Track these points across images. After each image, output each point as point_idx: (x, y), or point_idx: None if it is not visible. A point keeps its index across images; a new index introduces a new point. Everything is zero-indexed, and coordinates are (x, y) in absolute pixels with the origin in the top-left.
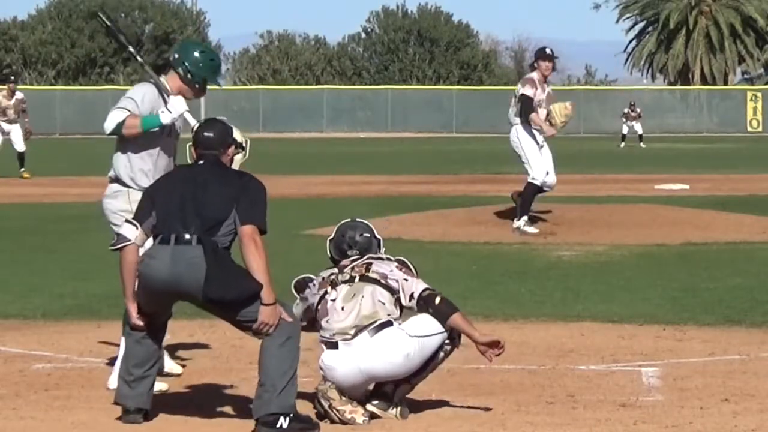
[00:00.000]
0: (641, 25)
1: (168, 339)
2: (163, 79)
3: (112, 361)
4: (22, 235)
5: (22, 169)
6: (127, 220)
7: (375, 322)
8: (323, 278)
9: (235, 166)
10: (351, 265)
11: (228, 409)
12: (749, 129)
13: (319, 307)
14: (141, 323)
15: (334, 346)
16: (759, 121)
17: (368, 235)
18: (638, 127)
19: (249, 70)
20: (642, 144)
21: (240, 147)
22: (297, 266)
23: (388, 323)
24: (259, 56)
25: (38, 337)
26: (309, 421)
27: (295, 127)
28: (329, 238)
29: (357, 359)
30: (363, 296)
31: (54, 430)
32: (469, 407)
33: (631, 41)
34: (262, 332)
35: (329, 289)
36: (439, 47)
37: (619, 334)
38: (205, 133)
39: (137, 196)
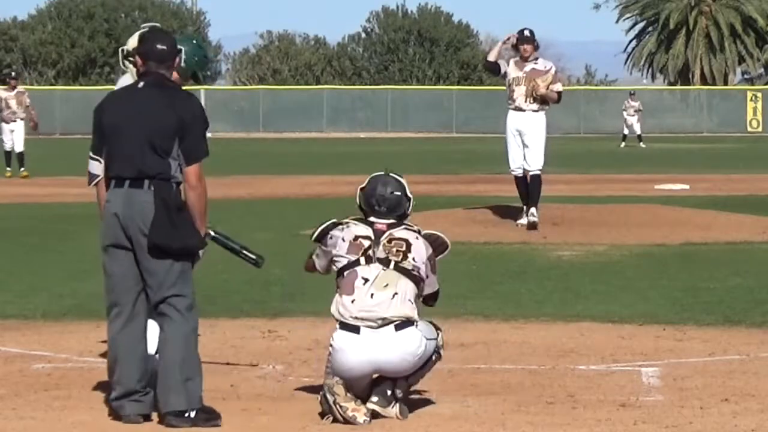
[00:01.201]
0: (641, 25)
1: None
2: None
3: None
4: (22, 235)
5: (22, 169)
6: (90, 156)
7: (402, 320)
8: (356, 237)
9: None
10: (387, 237)
11: (228, 409)
12: (749, 129)
13: (345, 274)
14: None
15: (353, 329)
16: (759, 121)
17: (399, 193)
18: (637, 127)
19: (249, 70)
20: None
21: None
22: (297, 266)
23: (410, 323)
24: (259, 56)
25: (38, 337)
26: (212, 411)
27: (295, 127)
28: (360, 187)
29: (374, 349)
30: (396, 293)
31: (54, 430)
32: (468, 407)
33: (631, 41)
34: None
35: (362, 260)
36: (439, 47)
37: (619, 334)
38: (159, 46)
39: None
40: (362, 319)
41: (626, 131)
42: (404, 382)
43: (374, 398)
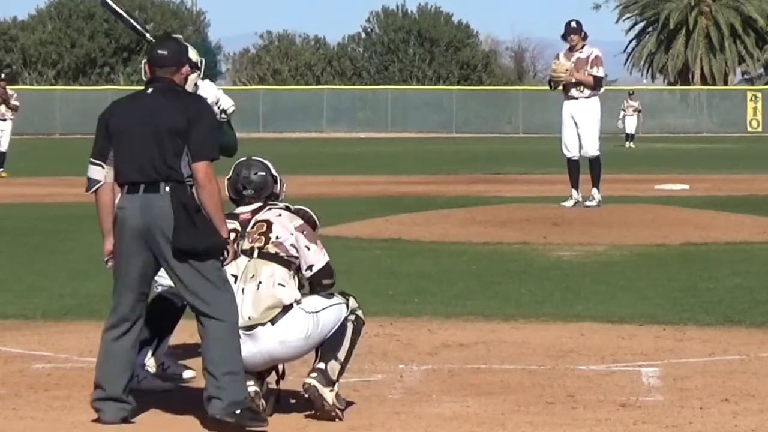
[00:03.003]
0: (641, 25)
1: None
2: None
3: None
4: (22, 235)
5: (1, 169)
6: (91, 161)
7: (275, 310)
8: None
9: (189, 85)
10: (251, 224)
11: None
12: (749, 129)
13: None
14: (110, 264)
15: None
16: (759, 121)
17: (264, 173)
18: (632, 125)
19: (249, 70)
20: (632, 144)
21: (195, 67)
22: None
23: (288, 307)
24: (259, 56)
25: (38, 337)
26: (259, 412)
27: (295, 127)
28: (227, 177)
29: (258, 346)
30: (261, 282)
31: (54, 430)
32: (468, 407)
33: (631, 41)
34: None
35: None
36: (439, 47)
37: (619, 334)
38: (159, 51)
39: None
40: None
41: (628, 129)
42: (331, 357)
43: (313, 374)
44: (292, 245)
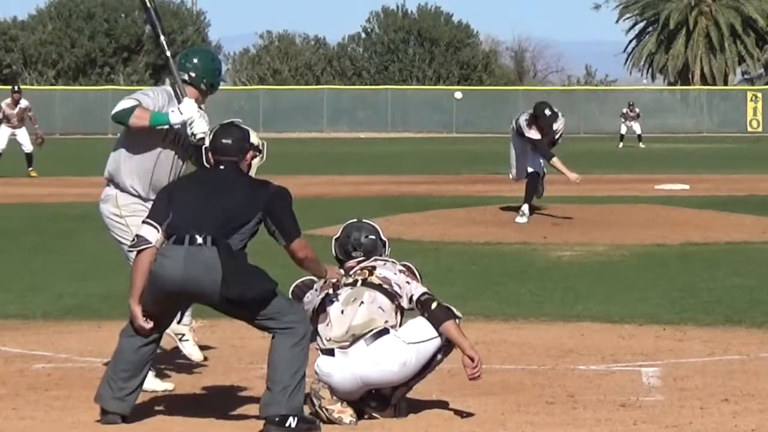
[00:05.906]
0: (641, 25)
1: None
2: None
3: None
4: (22, 235)
5: (30, 168)
6: (146, 222)
7: (372, 330)
8: (326, 281)
9: (253, 171)
10: (357, 267)
11: (228, 409)
12: (749, 129)
13: (319, 308)
14: (148, 326)
15: (329, 352)
16: (759, 121)
17: (374, 237)
18: (637, 127)
19: (249, 70)
20: (641, 144)
21: (257, 150)
22: (297, 266)
23: (385, 331)
24: (259, 56)
25: (38, 337)
26: (313, 421)
27: (295, 127)
28: (335, 237)
29: (352, 367)
30: (362, 302)
31: (54, 430)
32: (469, 407)
33: (631, 41)
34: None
35: (331, 291)
36: (439, 47)
37: (619, 334)
38: (223, 140)
39: (125, 200)
40: (335, 341)
41: (624, 131)
42: (404, 387)
43: (372, 403)
44: (395, 283)
